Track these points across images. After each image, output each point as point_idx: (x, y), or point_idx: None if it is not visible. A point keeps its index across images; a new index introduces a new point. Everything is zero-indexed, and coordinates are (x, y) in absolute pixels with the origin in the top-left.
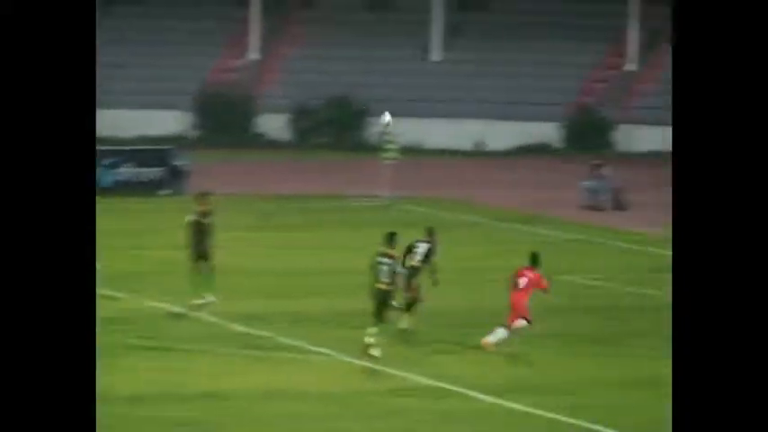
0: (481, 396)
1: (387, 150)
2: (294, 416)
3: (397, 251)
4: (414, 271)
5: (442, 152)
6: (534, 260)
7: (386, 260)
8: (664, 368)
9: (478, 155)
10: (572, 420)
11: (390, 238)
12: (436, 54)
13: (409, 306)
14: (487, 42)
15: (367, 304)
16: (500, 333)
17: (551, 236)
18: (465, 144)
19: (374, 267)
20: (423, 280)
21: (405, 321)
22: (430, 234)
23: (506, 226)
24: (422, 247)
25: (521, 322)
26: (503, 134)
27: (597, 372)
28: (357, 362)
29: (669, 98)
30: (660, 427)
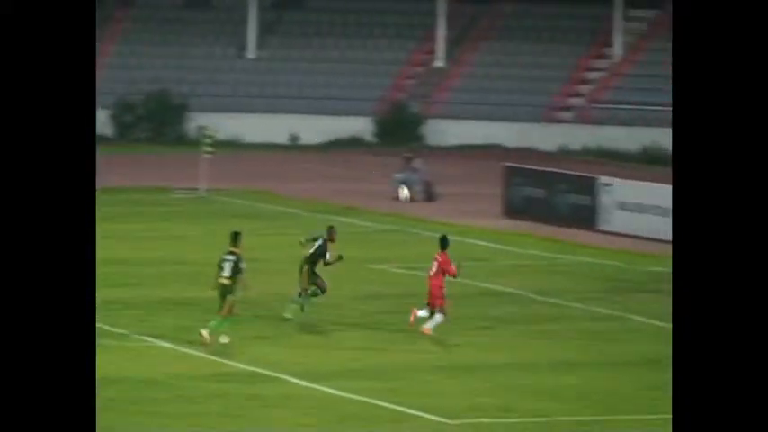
0: (297, 381)
1: (205, 144)
2: (114, 400)
3: (241, 249)
4: (311, 262)
5: (259, 146)
6: (443, 244)
7: (229, 257)
8: (475, 353)
9: (294, 148)
10: (385, 404)
11: (235, 236)
12: (252, 51)
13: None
14: (302, 40)
15: (189, 293)
16: (423, 313)
17: (366, 227)
18: (281, 138)
19: (220, 263)
20: (320, 271)
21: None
22: (329, 232)
23: (322, 217)
24: (317, 243)
25: (438, 316)
26: (317, 128)
27: (410, 357)
28: (178, 348)
29: (476, 94)
30: (473, 411)
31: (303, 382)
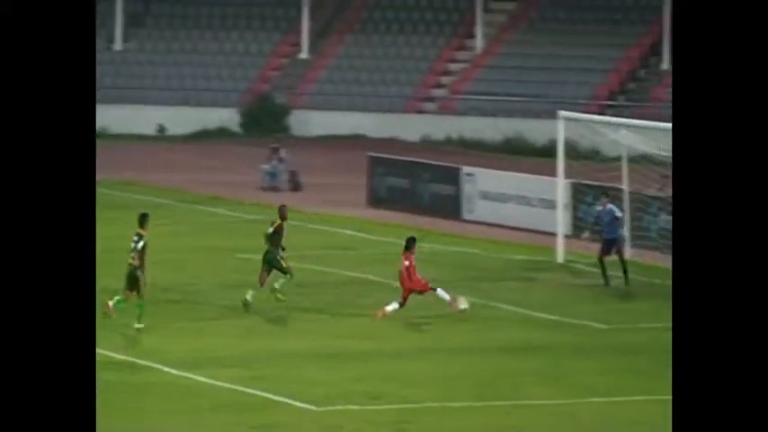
0: (168, 369)
1: None
2: None
3: (146, 231)
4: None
5: (127, 137)
6: (410, 244)
7: (136, 238)
8: (344, 341)
9: (161, 139)
10: (254, 391)
11: (141, 218)
12: (119, 43)
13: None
14: (168, 32)
15: None
16: (394, 305)
17: (235, 216)
18: (148, 129)
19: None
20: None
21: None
22: (281, 216)
23: (190, 207)
24: (276, 230)
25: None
26: (184, 120)
27: (279, 345)
28: None
29: (340, 85)
30: (341, 398)
31: (174, 371)
